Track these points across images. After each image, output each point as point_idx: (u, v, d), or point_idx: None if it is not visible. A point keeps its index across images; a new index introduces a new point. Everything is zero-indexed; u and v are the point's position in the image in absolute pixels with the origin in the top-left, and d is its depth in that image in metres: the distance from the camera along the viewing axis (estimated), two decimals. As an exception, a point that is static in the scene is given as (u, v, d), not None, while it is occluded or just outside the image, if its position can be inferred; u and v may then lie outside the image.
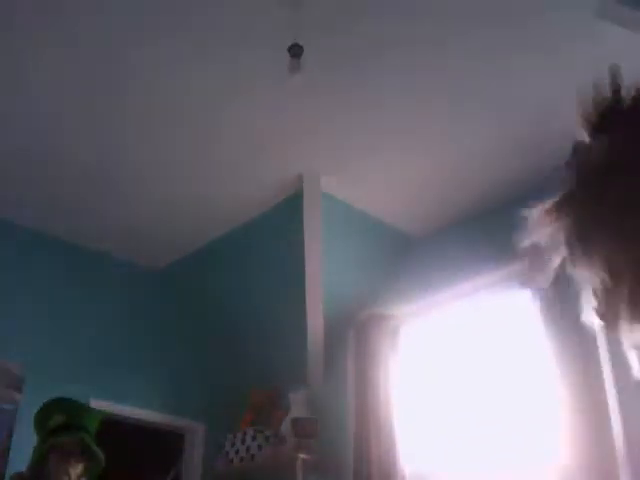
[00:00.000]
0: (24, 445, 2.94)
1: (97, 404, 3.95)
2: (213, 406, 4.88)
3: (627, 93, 0.76)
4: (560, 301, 3.32)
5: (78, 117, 3.65)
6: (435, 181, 4.09)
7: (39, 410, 2.72)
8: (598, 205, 0.74)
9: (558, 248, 0.80)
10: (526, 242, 0.82)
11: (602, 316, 0.77)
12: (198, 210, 4.45)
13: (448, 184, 4.08)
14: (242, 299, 4.85)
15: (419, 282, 4.31)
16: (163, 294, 5.15)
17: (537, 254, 0.82)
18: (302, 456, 4.15)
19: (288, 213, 4.29)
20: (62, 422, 2.61)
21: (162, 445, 5.22)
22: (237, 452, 4.50)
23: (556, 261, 0.81)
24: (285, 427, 4.41)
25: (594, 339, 3.34)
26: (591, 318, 0.81)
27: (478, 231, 4.06)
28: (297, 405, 4.45)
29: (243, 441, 4.50)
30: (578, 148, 0.79)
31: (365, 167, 4.01)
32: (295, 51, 2.86)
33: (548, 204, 0.81)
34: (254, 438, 4.45)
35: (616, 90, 0.76)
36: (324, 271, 4.29)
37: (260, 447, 4.39)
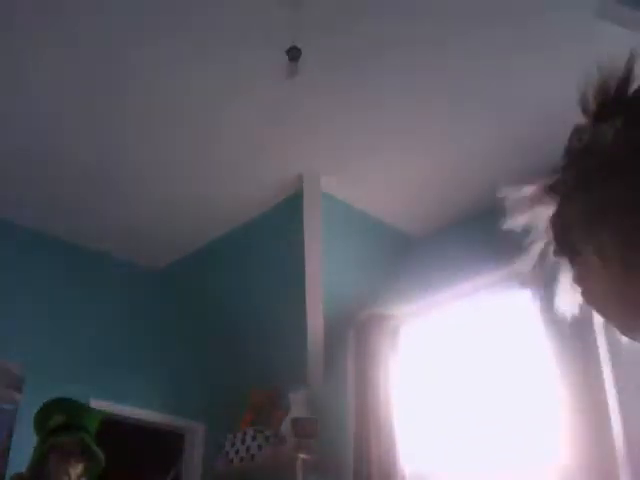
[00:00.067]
0: (24, 445, 2.94)
1: (97, 404, 3.95)
2: (213, 406, 4.88)
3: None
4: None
5: (78, 117, 3.65)
6: (435, 181, 4.09)
7: (39, 410, 2.72)
8: (589, 192, 0.73)
9: (542, 231, 0.79)
10: (509, 223, 0.81)
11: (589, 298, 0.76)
12: (198, 210, 4.45)
13: (448, 184, 4.08)
14: (242, 299, 4.85)
15: (419, 282, 4.31)
16: (163, 294, 5.15)
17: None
18: (302, 456, 4.15)
19: (288, 213, 4.29)
20: (62, 422, 2.61)
21: (162, 445, 5.22)
22: (237, 452, 4.50)
23: (539, 245, 0.81)
24: (285, 427, 4.41)
25: (594, 339, 3.34)
26: (566, 304, 0.81)
27: (478, 231, 4.05)
28: (297, 405, 4.45)
29: (243, 441, 4.50)
30: (577, 134, 0.78)
31: (365, 167, 4.01)
32: (293, 54, 2.86)
33: (535, 187, 0.80)
34: (254, 438, 4.45)
35: (626, 78, 0.75)
36: (324, 271, 4.29)
37: (260, 447, 4.39)
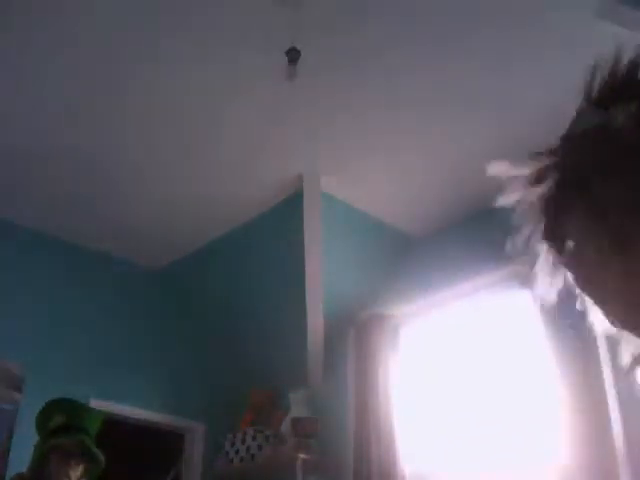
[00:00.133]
0: (24, 445, 2.94)
1: (97, 404, 3.94)
2: (213, 406, 4.88)
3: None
4: (560, 301, 3.32)
5: (78, 117, 3.65)
6: (435, 181, 4.09)
7: (40, 410, 2.72)
8: (591, 185, 0.71)
9: (533, 213, 0.78)
10: (501, 201, 0.79)
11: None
12: (198, 210, 4.45)
13: (448, 184, 4.08)
14: (242, 299, 4.85)
15: (419, 282, 4.31)
16: (163, 294, 5.15)
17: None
18: (302, 456, 4.15)
19: (288, 213, 4.29)
20: (62, 423, 2.61)
21: (162, 445, 5.22)
22: (237, 452, 4.50)
23: (528, 227, 0.79)
24: (285, 427, 4.41)
25: (594, 339, 3.34)
26: (546, 289, 0.79)
27: (478, 231, 4.05)
28: (297, 405, 4.45)
29: (243, 441, 4.50)
30: (583, 117, 0.74)
31: (365, 167, 4.00)
32: (292, 56, 2.86)
33: (531, 167, 0.78)
34: (254, 438, 4.45)
35: (636, 63, 0.72)
36: (324, 271, 4.29)
37: (260, 447, 4.39)
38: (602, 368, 3.33)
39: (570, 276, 0.77)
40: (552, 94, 3.27)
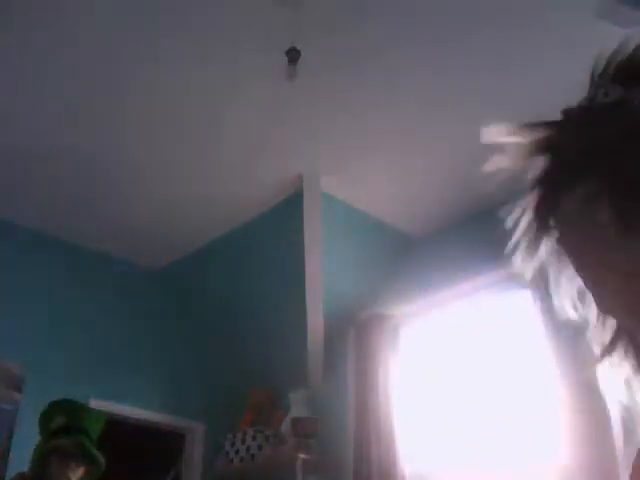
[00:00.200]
0: (24, 445, 2.94)
1: (97, 404, 3.94)
2: (213, 406, 4.88)
3: None
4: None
5: (78, 117, 3.65)
6: (435, 181, 4.09)
7: (42, 412, 2.72)
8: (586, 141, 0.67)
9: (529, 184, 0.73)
10: (492, 165, 0.75)
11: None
12: (198, 210, 4.45)
13: (448, 184, 4.08)
14: (242, 299, 4.85)
15: (419, 282, 4.31)
16: (163, 294, 5.15)
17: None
18: (302, 456, 4.15)
19: (288, 213, 4.29)
20: (63, 424, 2.61)
21: (162, 445, 5.22)
22: (237, 452, 4.50)
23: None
24: (285, 427, 4.41)
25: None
26: (564, 301, 0.77)
27: (478, 231, 4.04)
28: (297, 405, 4.45)
29: (243, 441, 4.50)
30: (604, 88, 0.69)
31: (365, 167, 4.00)
32: (292, 56, 2.85)
33: (528, 137, 0.74)
34: (254, 438, 4.45)
35: None
36: (324, 271, 4.29)
37: (260, 447, 4.39)
38: (602, 368, 3.33)
39: (559, 251, 0.73)
40: (552, 94, 3.26)
